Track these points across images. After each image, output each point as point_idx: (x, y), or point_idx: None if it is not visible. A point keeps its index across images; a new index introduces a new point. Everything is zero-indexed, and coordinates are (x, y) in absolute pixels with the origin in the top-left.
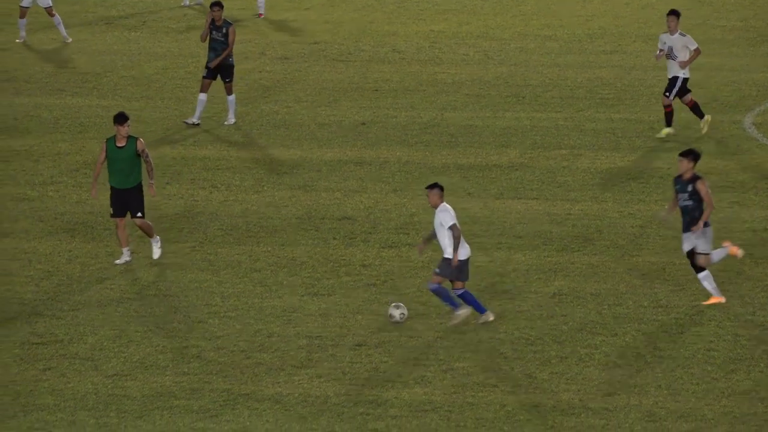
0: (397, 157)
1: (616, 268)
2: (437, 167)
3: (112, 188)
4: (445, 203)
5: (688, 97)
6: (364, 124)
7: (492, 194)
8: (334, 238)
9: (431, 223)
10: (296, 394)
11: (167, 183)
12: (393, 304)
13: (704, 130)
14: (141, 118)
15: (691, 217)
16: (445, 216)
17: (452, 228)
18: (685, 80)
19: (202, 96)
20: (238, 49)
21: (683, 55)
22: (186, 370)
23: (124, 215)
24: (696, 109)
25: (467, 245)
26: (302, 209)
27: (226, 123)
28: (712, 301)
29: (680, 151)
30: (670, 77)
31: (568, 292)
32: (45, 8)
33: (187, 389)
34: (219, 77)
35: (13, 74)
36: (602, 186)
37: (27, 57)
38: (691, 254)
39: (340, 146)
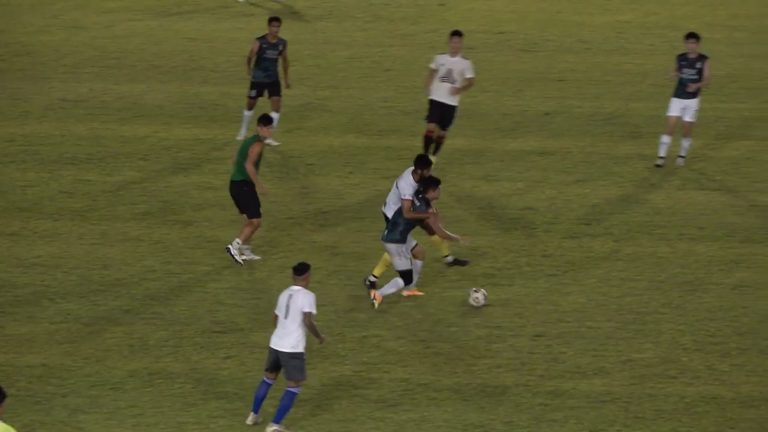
0: (580, 147)
1: None
2: (620, 158)
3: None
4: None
5: None
6: (548, 114)
7: (675, 185)
8: (516, 228)
9: (613, 213)
10: (475, 384)
11: (350, 172)
12: (473, 288)
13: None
14: (326, 107)
15: None
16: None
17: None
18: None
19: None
20: (424, 38)
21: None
22: (365, 359)
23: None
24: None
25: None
26: (484, 199)
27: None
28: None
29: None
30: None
31: (750, 283)
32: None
33: (366, 378)
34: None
35: (200, 63)
36: None
37: (214, 46)
38: None
39: (524, 136)
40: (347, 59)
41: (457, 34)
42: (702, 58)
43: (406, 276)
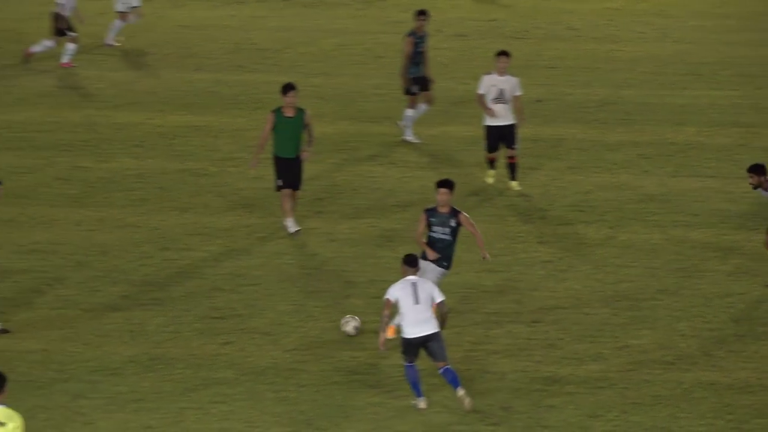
0: (572, 134)
1: None
2: (612, 144)
3: (279, 158)
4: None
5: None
6: (539, 101)
7: (668, 172)
8: (511, 215)
9: (608, 200)
10: (473, 370)
11: (344, 159)
12: (344, 319)
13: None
14: (319, 94)
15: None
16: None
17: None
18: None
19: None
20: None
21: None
22: (364, 345)
23: (291, 187)
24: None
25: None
26: (479, 186)
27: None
28: None
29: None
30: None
31: (744, 270)
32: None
33: (364, 364)
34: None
35: (193, 50)
36: None
37: (207, 33)
38: None
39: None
40: (339, 46)
41: (504, 53)
42: None
43: None
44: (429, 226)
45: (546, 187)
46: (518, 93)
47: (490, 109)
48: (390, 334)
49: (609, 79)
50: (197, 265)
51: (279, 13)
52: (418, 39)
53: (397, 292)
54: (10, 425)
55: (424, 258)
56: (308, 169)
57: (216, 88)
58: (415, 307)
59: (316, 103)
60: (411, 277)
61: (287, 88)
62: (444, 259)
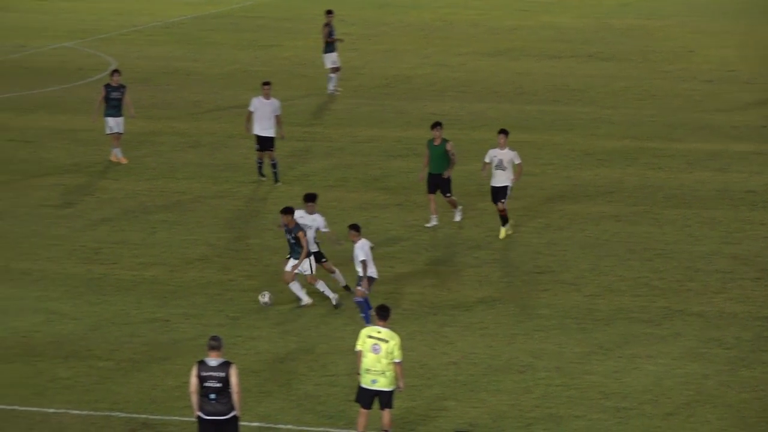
0: None
1: None
2: None
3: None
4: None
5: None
6: (765, 126)
7: None
8: (742, 205)
9: None
10: (714, 311)
11: (628, 165)
12: (261, 293)
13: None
14: (610, 120)
15: None
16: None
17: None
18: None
19: None
20: (677, 74)
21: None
22: (639, 293)
23: (434, 192)
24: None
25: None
26: (720, 184)
27: None
28: None
29: None
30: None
31: None
32: None
33: (639, 306)
34: None
35: (524, 89)
36: None
37: (534, 78)
38: None
39: (749, 141)
40: (625, 88)
41: (503, 132)
42: None
43: None
44: None
45: (767, 185)
46: (518, 162)
47: None
48: None
49: None
50: (524, 237)
51: (584, 63)
52: None
53: None
54: (392, 342)
55: None
56: (603, 173)
57: (539, 115)
58: None
59: (605, 126)
60: None
61: (434, 125)
62: None
